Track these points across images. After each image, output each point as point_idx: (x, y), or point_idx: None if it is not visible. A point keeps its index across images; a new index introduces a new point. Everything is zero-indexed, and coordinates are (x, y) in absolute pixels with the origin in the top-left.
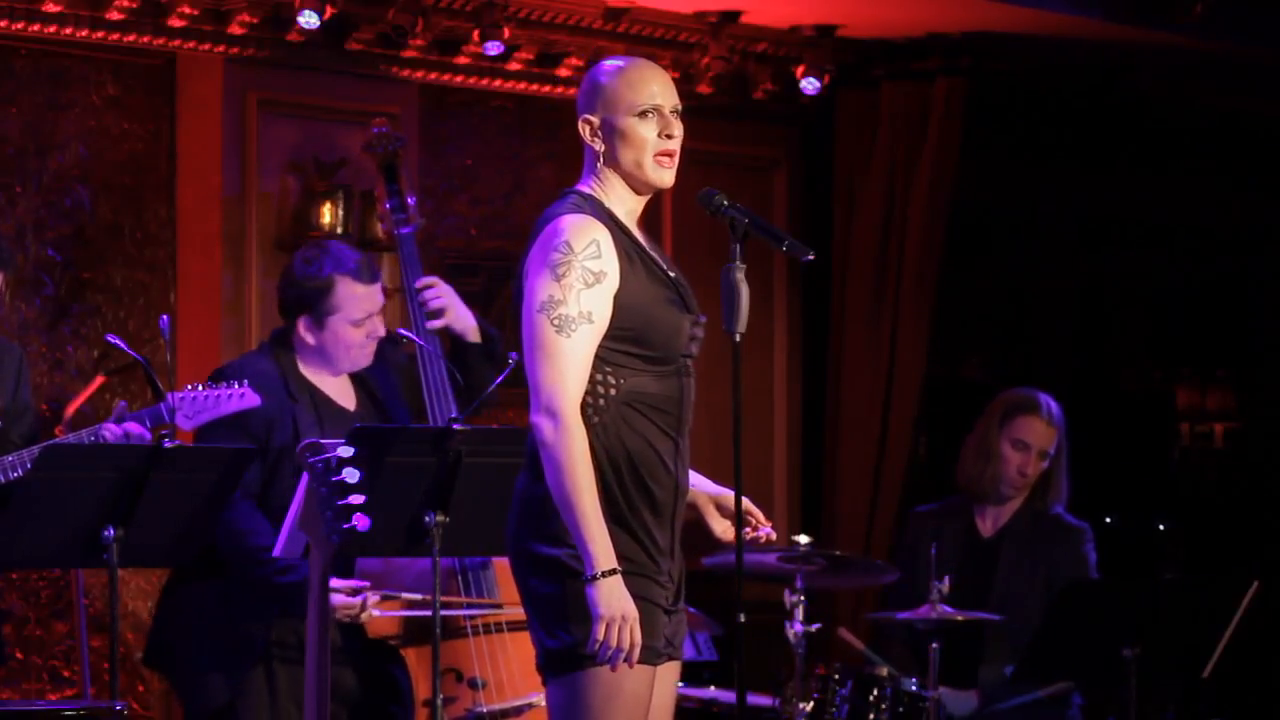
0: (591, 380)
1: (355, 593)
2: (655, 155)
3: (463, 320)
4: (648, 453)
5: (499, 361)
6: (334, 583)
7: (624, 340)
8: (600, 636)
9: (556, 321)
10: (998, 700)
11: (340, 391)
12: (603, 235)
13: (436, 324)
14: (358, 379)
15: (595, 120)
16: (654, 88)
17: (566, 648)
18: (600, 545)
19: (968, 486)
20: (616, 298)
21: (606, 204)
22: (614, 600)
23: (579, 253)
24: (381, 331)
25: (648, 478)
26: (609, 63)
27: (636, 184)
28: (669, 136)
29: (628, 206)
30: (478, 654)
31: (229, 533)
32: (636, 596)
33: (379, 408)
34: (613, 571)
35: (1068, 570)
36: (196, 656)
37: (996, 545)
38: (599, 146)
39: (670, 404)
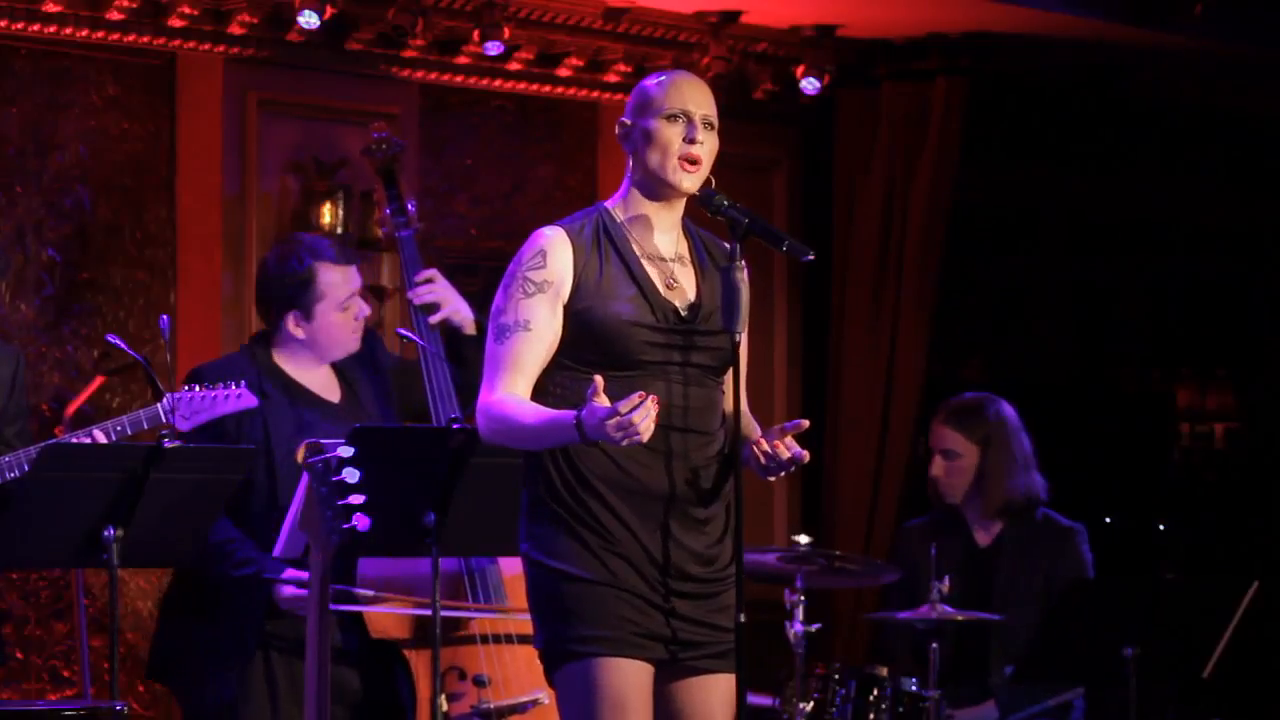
0: (547, 386)
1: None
2: (678, 159)
3: (460, 313)
4: (593, 453)
5: None
6: (287, 574)
7: (574, 345)
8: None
9: (495, 330)
10: (1012, 709)
11: (324, 385)
12: (554, 246)
13: (434, 318)
14: (342, 374)
15: (629, 122)
16: (687, 94)
17: (542, 646)
18: (558, 421)
19: (937, 504)
20: (568, 305)
21: (616, 212)
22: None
23: (524, 264)
24: (366, 311)
25: (595, 479)
26: (657, 73)
27: (658, 186)
28: (693, 142)
29: (647, 213)
30: (484, 652)
31: None
32: (591, 582)
33: (361, 406)
34: (578, 418)
35: (1066, 573)
36: (199, 669)
37: (994, 553)
38: (628, 148)
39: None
